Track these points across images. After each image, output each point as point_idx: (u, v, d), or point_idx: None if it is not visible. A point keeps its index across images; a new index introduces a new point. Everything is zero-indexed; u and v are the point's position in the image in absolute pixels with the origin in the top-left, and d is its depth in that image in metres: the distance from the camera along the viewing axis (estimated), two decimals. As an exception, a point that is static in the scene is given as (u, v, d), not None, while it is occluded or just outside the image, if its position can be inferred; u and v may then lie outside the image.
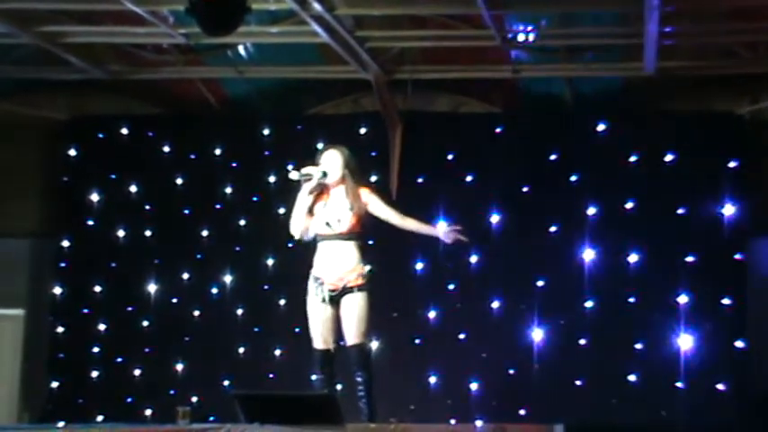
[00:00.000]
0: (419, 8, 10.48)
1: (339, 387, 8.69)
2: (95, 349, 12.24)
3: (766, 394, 11.22)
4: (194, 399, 11.71)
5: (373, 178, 11.80)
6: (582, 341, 11.60)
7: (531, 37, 10.96)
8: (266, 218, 12.00)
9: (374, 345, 11.31)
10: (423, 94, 12.26)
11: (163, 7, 10.32)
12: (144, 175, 12.46)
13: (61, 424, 8.84)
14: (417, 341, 11.87)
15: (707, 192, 11.60)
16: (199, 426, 8.03)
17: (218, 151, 12.42)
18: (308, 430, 7.37)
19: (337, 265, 8.21)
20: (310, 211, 8.26)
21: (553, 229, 11.84)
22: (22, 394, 12.44)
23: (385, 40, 11.19)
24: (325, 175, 8.24)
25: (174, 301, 12.26)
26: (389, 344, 11.62)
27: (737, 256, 11.54)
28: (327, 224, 8.23)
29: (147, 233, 12.37)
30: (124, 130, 12.57)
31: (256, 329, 12.07)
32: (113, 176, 12.49)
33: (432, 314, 11.90)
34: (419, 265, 11.90)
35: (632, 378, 11.45)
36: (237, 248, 12.25)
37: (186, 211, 12.38)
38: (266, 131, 12.43)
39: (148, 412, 11.96)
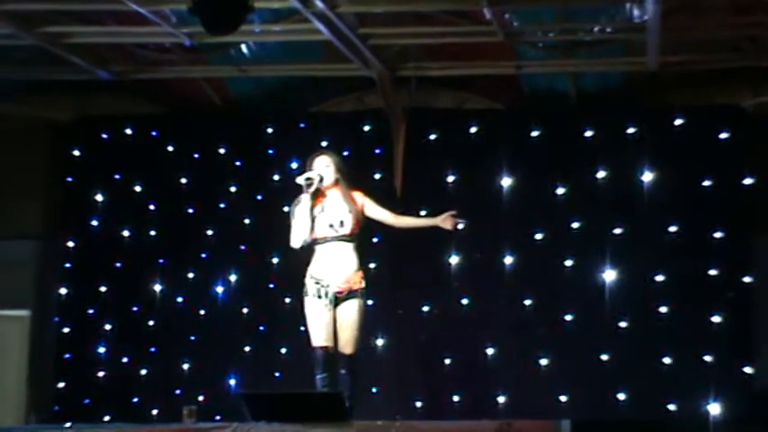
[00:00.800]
0: (422, 5, 10.48)
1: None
2: (101, 349, 12.26)
3: None
4: (200, 398, 11.74)
5: (377, 175, 11.84)
6: (589, 337, 11.58)
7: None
8: (271, 216, 11.98)
9: (379, 342, 11.36)
10: (426, 91, 12.25)
11: (166, 6, 10.32)
12: (148, 175, 12.47)
13: (68, 424, 8.82)
14: (422, 338, 11.86)
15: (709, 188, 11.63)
16: (205, 425, 8.06)
17: (222, 150, 12.43)
18: (315, 429, 7.38)
19: (341, 267, 8.31)
20: (311, 217, 8.34)
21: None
22: (28, 395, 12.45)
23: (388, 37, 11.18)
24: (321, 179, 8.37)
25: (180, 300, 12.27)
26: (394, 341, 11.63)
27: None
28: (331, 226, 8.32)
29: (152, 233, 12.39)
30: (128, 130, 12.59)
31: (262, 328, 12.08)
32: (118, 176, 12.50)
33: (437, 311, 11.89)
34: (424, 263, 11.89)
35: (641, 374, 11.42)
36: (242, 247, 12.25)
37: (191, 211, 12.38)
38: (270, 130, 12.43)
39: (155, 412, 11.97)
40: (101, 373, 12.22)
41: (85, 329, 12.30)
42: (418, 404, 11.70)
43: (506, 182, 11.95)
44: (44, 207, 12.69)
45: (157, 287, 12.30)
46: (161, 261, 12.33)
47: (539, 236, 11.83)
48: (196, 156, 12.47)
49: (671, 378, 11.37)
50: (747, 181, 11.62)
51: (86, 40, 11.17)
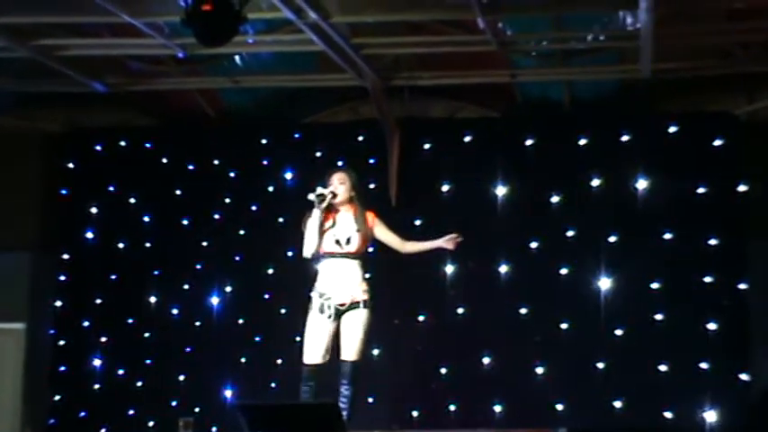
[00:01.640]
0: (414, 14, 10.48)
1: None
2: (97, 362, 12.24)
3: None
4: (196, 409, 11.71)
5: (372, 185, 11.83)
6: (585, 345, 11.58)
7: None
8: (265, 227, 12.01)
9: (375, 352, 11.34)
10: (420, 101, 12.27)
11: (159, 18, 10.32)
12: (142, 187, 12.47)
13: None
14: (419, 348, 11.85)
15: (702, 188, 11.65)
16: (201, 436, 8.04)
17: (216, 161, 12.43)
18: (311, 439, 7.38)
19: (345, 282, 8.49)
20: (320, 231, 8.51)
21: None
22: (24, 408, 12.42)
23: (381, 47, 11.18)
24: (334, 196, 8.56)
25: (175, 311, 12.26)
26: (391, 351, 11.62)
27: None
28: (337, 242, 8.52)
29: (147, 244, 12.38)
30: (122, 142, 12.60)
31: (257, 339, 12.07)
32: (112, 188, 12.50)
33: (433, 320, 11.88)
34: (420, 272, 11.88)
35: (636, 382, 11.42)
36: (237, 258, 12.25)
37: (185, 222, 12.38)
38: (264, 140, 12.44)
39: (151, 424, 11.96)
40: (96, 386, 12.21)
41: (81, 342, 12.29)
42: (415, 414, 11.69)
43: (501, 190, 11.96)
44: (38, 219, 12.67)
45: (152, 299, 12.29)
46: (156, 273, 12.32)
47: (534, 244, 11.84)
48: (190, 167, 12.47)
49: (667, 385, 11.37)
50: (741, 188, 11.63)
51: (80, 52, 11.16)
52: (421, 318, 11.90)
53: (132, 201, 12.46)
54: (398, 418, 11.47)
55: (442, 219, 11.43)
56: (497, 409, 11.62)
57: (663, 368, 11.41)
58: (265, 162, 12.37)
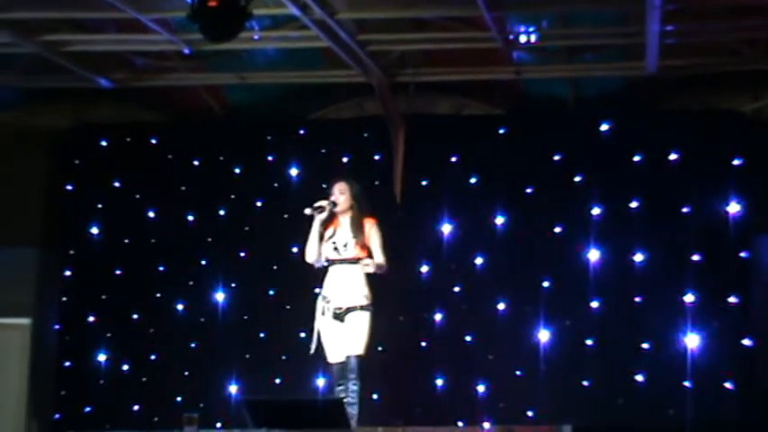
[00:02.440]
0: (420, 11, 10.49)
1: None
2: (102, 357, 12.25)
3: None
4: (201, 405, 11.70)
5: (377, 182, 11.84)
6: (588, 342, 11.58)
7: (534, 38, 10.96)
8: (271, 223, 12.01)
9: (380, 348, 11.34)
10: (425, 97, 12.26)
11: (164, 14, 10.33)
12: (148, 183, 12.47)
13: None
14: (423, 344, 11.85)
15: (711, 190, 11.59)
16: (206, 432, 8.05)
17: (221, 157, 12.42)
18: (316, 435, 7.40)
19: (344, 287, 9.03)
20: (321, 238, 9.13)
21: (558, 230, 11.82)
22: (29, 403, 12.44)
23: (386, 44, 11.19)
24: (334, 205, 9.13)
25: (180, 307, 12.26)
26: (396, 348, 11.61)
27: (742, 254, 11.53)
28: (335, 248, 9.10)
29: (152, 240, 12.38)
30: (128, 138, 12.60)
31: (262, 335, 12.07)
32: (118, 184, 12.50)
33: (437, 317, 11.89)
34: (424, 269, 11.90)
35: (639, 378, 11.42)
36: (242, 254, 12.25)
37: (191, 218, 12.38)
38: (269, 137, 12.43)
39: (156, 419, 11.95)
40: (102, 381, 12.21)
41: (86, 337, 12.30)
42: (419, 410, 11.68)
43: (506, 187, 11.92)
44: (44, 215, 12.68)
45: (158, 294, 12.29)
46: (161, 268, 12.33)
47: (539, 240, 11.81)
48: (196, 163, 12.47)
49: (677, 377, 11.36)
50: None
51: (86, 48, 11.18)
52: (425, 314, 11.88)
53: (138, 196, 12.45)
54: (404, 414, 11.46)
55: (446, 214, 11.46)
56: (502, 405, 11.60)
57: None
58: (270, 158, 12.37)
